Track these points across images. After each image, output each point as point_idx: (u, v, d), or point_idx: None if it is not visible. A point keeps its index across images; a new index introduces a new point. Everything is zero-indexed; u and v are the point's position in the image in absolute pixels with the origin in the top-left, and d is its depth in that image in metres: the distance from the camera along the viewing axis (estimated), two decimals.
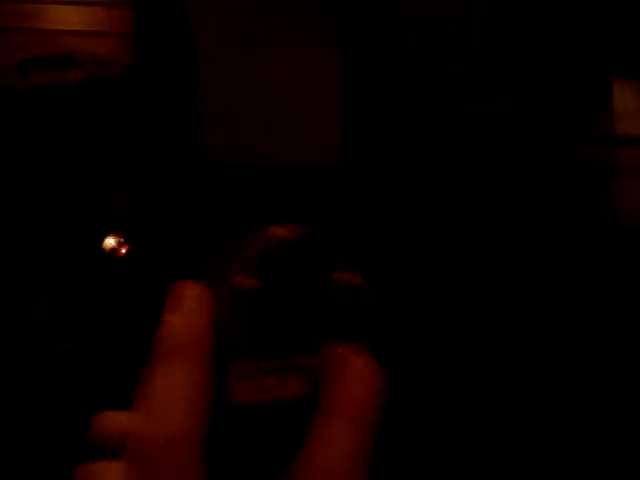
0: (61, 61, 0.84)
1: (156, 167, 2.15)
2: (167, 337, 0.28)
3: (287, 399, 0.30)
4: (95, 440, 0.35)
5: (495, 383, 1.85)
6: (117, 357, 0.75)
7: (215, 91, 2.24)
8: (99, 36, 2.28)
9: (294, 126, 2.27)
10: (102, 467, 0.34)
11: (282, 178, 2.19)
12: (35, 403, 0.75)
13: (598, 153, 2.07)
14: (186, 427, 0.26)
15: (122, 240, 0.63)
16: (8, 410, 0.74)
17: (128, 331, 0.71)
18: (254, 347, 0.30)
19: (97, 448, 0.35)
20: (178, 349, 0.27)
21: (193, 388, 0.27)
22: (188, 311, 0.28)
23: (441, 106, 2.16)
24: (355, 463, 0.27)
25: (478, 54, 2.24)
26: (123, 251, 0.62)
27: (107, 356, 0.76)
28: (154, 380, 0.27)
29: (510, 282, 1.99)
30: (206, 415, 0.27)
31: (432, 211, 2.09)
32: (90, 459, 0.35)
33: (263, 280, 0.30)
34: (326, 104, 2.30)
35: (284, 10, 2.29)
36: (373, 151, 2.25)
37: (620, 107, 2.10)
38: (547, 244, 2.01)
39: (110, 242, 0.63)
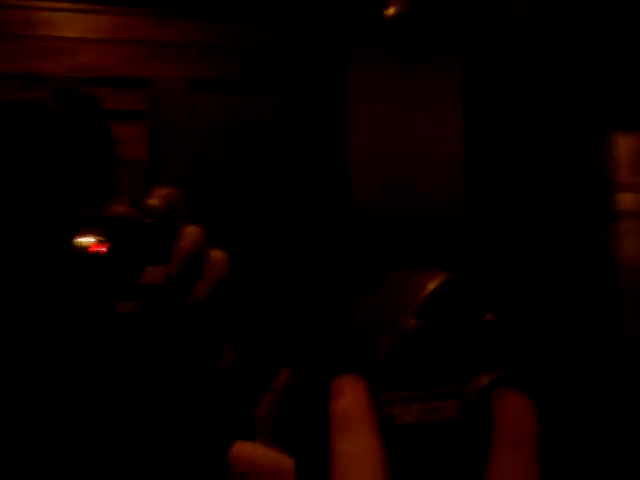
0: (38, 80, 0.85)
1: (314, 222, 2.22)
2: (339, 417, 0.32)
3: (443, 420, 0.35)
4: (234, 465, 0.40)
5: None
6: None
7: (363, 147, 2.34)
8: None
9: (425, 179, 2.37)
10: None
11: (415, 227, 2.28)
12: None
13: None
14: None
15: (101, 238, 0.62)
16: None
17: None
18: (415, 377, 0.36)
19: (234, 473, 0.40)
20: (352, 424, 0.32)
21: (375, 449, 0.32)
22: (350, 395, 0.33)
23: (537, 154, 2.26)
24: None
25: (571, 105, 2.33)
26: (103, 250, 0.61)
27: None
28: (340, 448, 0.32)
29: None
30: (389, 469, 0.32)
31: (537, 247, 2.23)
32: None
33: (424, 320, 0.35)
34: (452, 157, 2.40)
35: (415, 64, 2.38)
36: (493, 199, 2.34)
37: None
38: None
39: (86, 240, 0.62)
